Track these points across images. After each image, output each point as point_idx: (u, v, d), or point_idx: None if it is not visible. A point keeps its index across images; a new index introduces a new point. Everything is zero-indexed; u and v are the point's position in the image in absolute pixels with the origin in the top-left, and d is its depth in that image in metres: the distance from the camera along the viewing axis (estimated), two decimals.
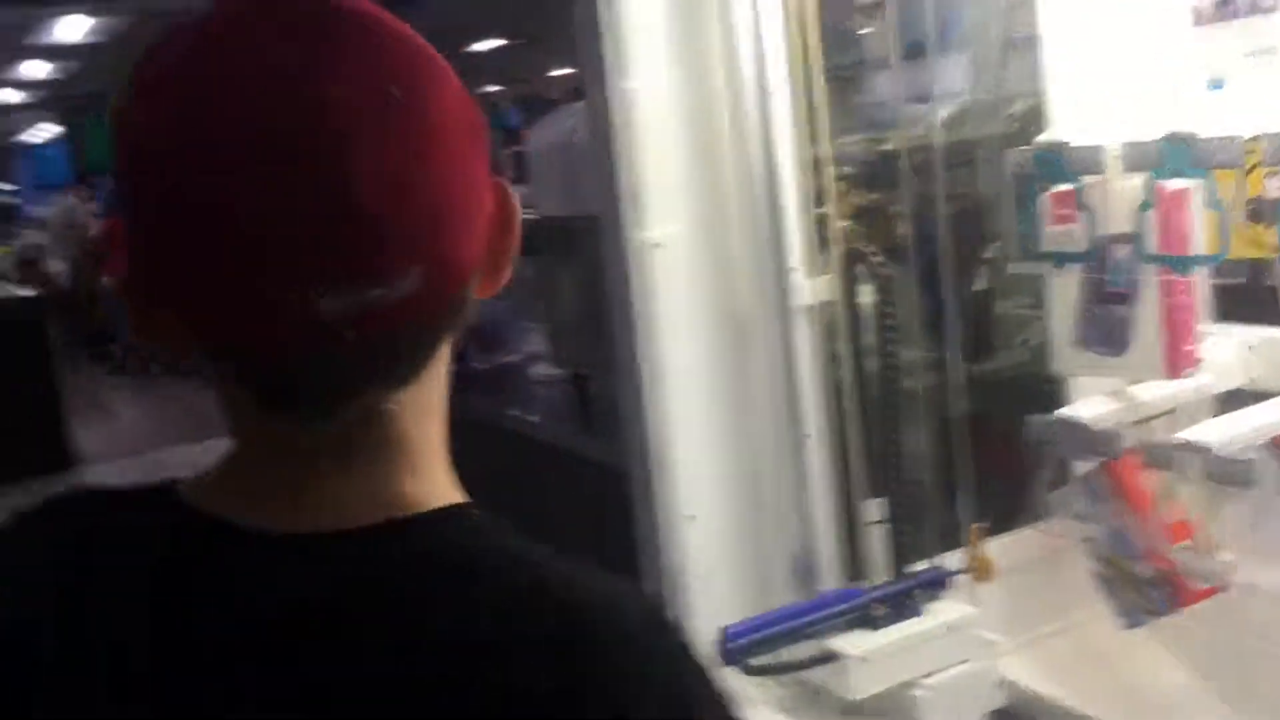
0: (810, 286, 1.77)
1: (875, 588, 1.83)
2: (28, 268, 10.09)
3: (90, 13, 7.60)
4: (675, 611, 1.79)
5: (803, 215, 1.76)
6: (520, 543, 0.68)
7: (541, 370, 3.18)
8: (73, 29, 8.63)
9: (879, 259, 1.74)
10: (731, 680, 1.74)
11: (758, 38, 1.67)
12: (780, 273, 1.75)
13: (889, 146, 2.03)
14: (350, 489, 0.68)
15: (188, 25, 0.65)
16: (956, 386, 1.84)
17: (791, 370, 1.79)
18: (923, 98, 2.09)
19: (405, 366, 0.67)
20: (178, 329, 0.66)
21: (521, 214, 0.72)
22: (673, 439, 1.74)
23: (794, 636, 1.77)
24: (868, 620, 1.77)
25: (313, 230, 0.60)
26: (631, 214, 1.62)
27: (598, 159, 1.65)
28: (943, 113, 2.14)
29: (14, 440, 6.46)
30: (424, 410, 0.70)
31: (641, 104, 1.62)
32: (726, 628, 1.71)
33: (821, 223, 1.80)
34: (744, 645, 1.72)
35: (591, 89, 1.63)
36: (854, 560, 1.88)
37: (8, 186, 15.66)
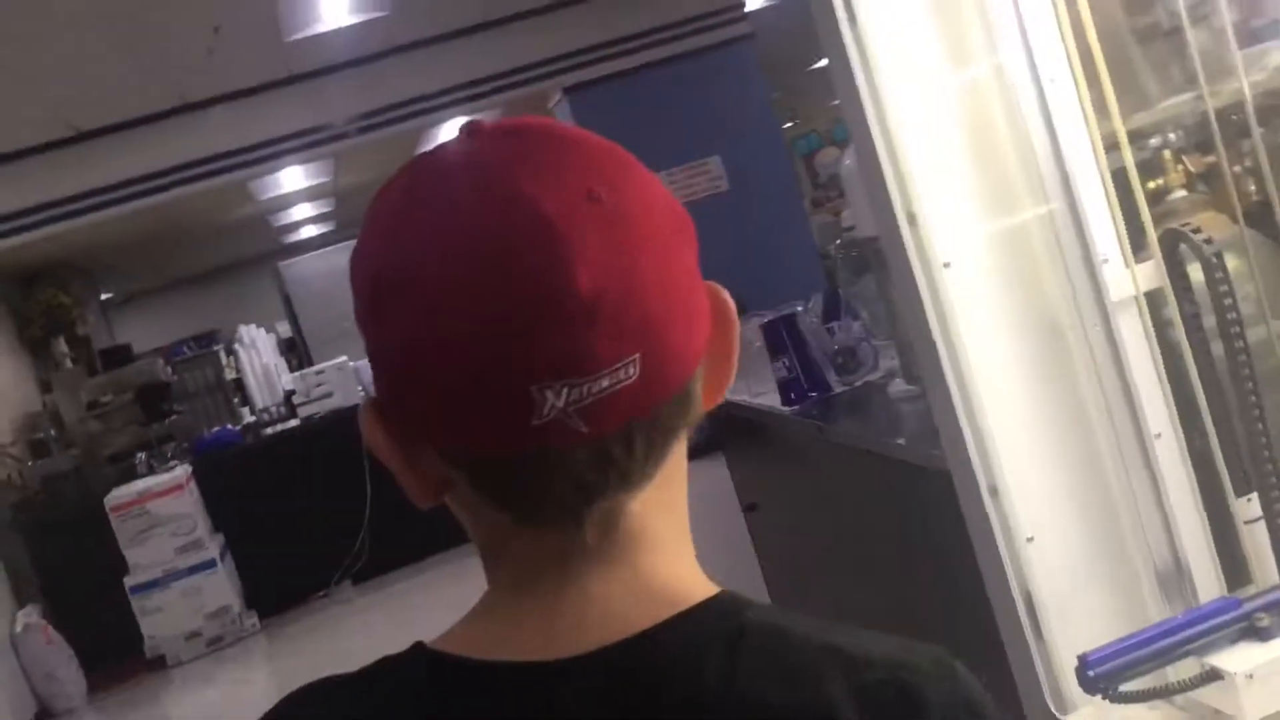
0: (1129, 276, 1.61)
1: (1259, 594, 1.63)
2: None
3: (469, 113, 8.30)
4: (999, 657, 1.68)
5: (1108, 203, 1.60)
6: (796, 615, 0.71)
7: (897, 387, 3.10)
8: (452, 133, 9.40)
9: (1201, 235, 1.55)
10: (1101, 711, 1.61)
11: (1020, 20, 1.54)
12: (1091, 268, 1.60)
13: (1220, 102, 1.83)
14: (617, 594, 0.70)
15: (406, 166, 0.72)
16: None
17: (1122, 369, 1.63)
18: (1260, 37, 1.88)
19: (642, 466, 0.69)
20: (432, 457, 0.70)
21: (737, 315, 0.73)
22: (997, 460, 1.63)
23: (1167, 657, 1.60)
24: (1253, 631, 1.59)
25: (534, 318, 0.62)
26: (910, 235, 1.54)
27: (865, 181, 1.58)
28: None
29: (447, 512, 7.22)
30: (666, 507, 0.72)
31: (899, 118, 1.54)
32: (1085, 655, 1.59)
33: (1134, 204, 1.63)
34: (1108, 672, 1.58)
35: (847, 108, 1.57)
36: (1232, 565, 1.69)
37: None
